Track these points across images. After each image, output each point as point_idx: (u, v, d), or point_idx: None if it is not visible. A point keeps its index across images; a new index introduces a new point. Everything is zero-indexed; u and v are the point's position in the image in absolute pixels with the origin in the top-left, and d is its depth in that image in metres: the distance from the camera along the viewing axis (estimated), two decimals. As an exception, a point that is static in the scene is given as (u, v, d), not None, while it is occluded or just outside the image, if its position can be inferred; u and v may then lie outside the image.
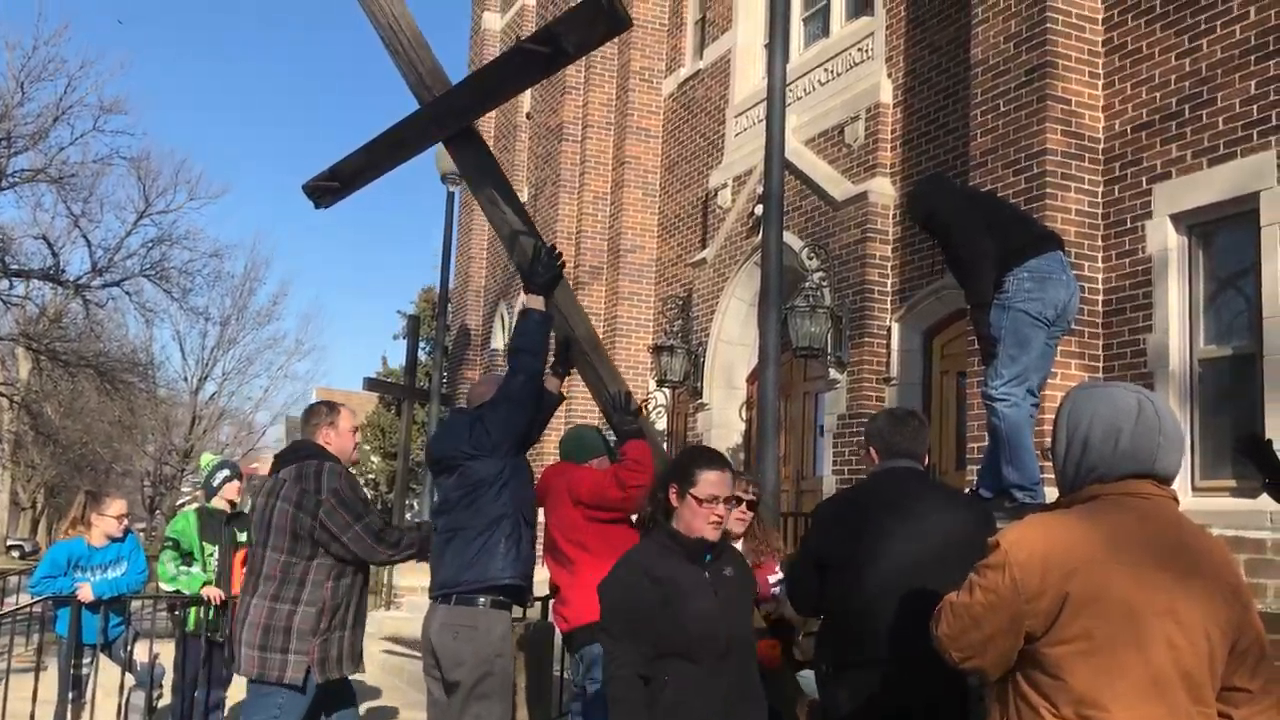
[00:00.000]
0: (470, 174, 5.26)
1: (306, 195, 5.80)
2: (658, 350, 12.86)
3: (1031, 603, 2.13)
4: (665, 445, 11.75)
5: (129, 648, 7.07)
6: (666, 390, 13.39)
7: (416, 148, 5.45)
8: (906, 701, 3.33)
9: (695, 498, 3.25)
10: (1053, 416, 2.34)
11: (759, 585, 4.59)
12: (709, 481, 3.27)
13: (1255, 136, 6.95)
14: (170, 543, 6.99)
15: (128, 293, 27.19)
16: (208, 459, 7.76)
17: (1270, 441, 3.56)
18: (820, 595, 3.62)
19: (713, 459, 3.37)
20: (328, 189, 5.66)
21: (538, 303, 4.48)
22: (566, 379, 5.19)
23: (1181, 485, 6.51)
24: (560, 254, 4.61)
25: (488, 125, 20.07)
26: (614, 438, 4.81)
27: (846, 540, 3.52)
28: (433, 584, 4.36)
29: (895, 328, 9.94)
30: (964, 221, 5.14)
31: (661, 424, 13.56)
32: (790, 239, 9.96)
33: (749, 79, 13.07)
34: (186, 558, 6.92)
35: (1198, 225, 7.41)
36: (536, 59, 4.54)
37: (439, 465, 4.43)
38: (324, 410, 4.71)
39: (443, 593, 4.26)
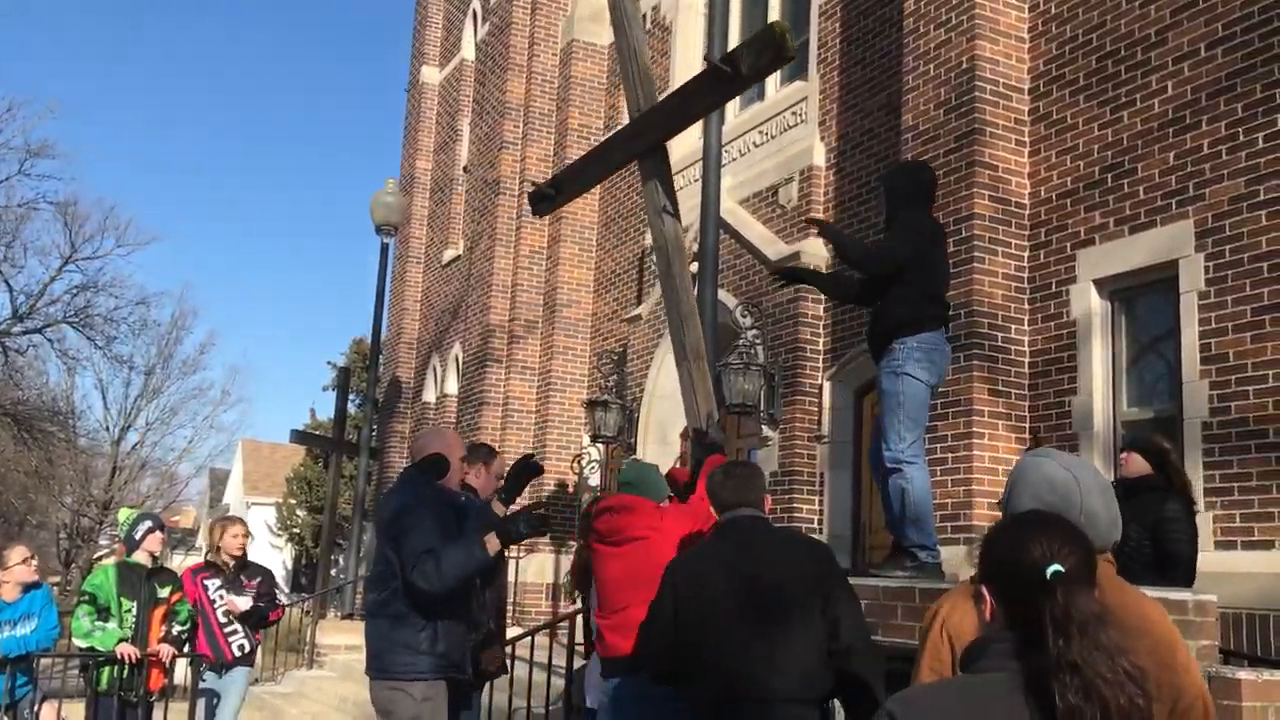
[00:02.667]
0: (650, 189, 5.64)
1: (530, 201, 6.42)
2: (592, 405, 12.83)
3: None
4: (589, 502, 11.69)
5: (35, 709, 6.77)
6: (600, 445, 13.33)
7: (622, 159, 6.16)
8: None
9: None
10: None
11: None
12: None
13: (1174, 206, 7.17)
14: (86, 596, 6.71)
15: (49, 340, 26.60)
16: (126, 514, 7.46)
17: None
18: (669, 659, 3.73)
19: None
20: (546, 196, 6.33)
21: (494, 545, 4.28)
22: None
23: (1106, 545, 6.61)
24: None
25: (425, 177, 20.04)
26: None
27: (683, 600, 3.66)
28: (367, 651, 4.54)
29: (827, 386, 10.03)
30: (906, 224, 5.12)
31: (595, 479, 13.50)
32: (725, 296, 10.04)
33: (685, 139, 13.18)
34: (103, 613, 6.67)
35: (1120, 291, 7.62)
36: (722, 78, 4.89)
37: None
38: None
39: (371, 670, 4.44)
